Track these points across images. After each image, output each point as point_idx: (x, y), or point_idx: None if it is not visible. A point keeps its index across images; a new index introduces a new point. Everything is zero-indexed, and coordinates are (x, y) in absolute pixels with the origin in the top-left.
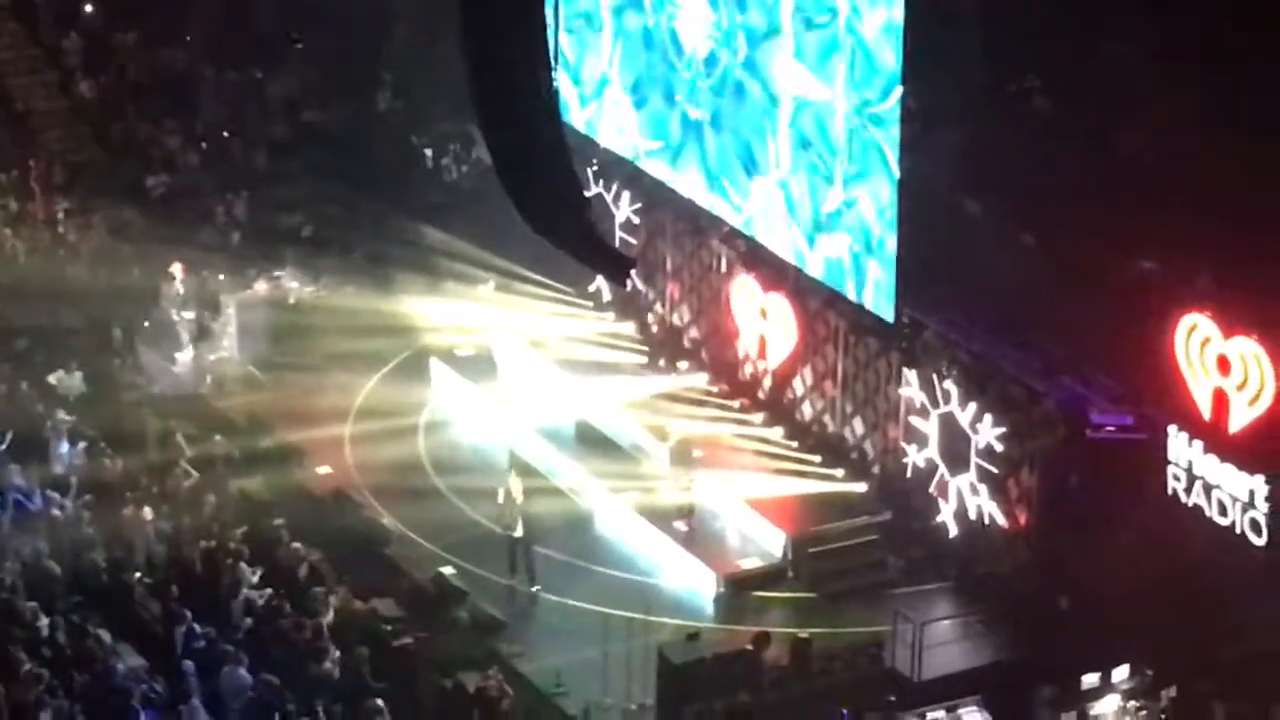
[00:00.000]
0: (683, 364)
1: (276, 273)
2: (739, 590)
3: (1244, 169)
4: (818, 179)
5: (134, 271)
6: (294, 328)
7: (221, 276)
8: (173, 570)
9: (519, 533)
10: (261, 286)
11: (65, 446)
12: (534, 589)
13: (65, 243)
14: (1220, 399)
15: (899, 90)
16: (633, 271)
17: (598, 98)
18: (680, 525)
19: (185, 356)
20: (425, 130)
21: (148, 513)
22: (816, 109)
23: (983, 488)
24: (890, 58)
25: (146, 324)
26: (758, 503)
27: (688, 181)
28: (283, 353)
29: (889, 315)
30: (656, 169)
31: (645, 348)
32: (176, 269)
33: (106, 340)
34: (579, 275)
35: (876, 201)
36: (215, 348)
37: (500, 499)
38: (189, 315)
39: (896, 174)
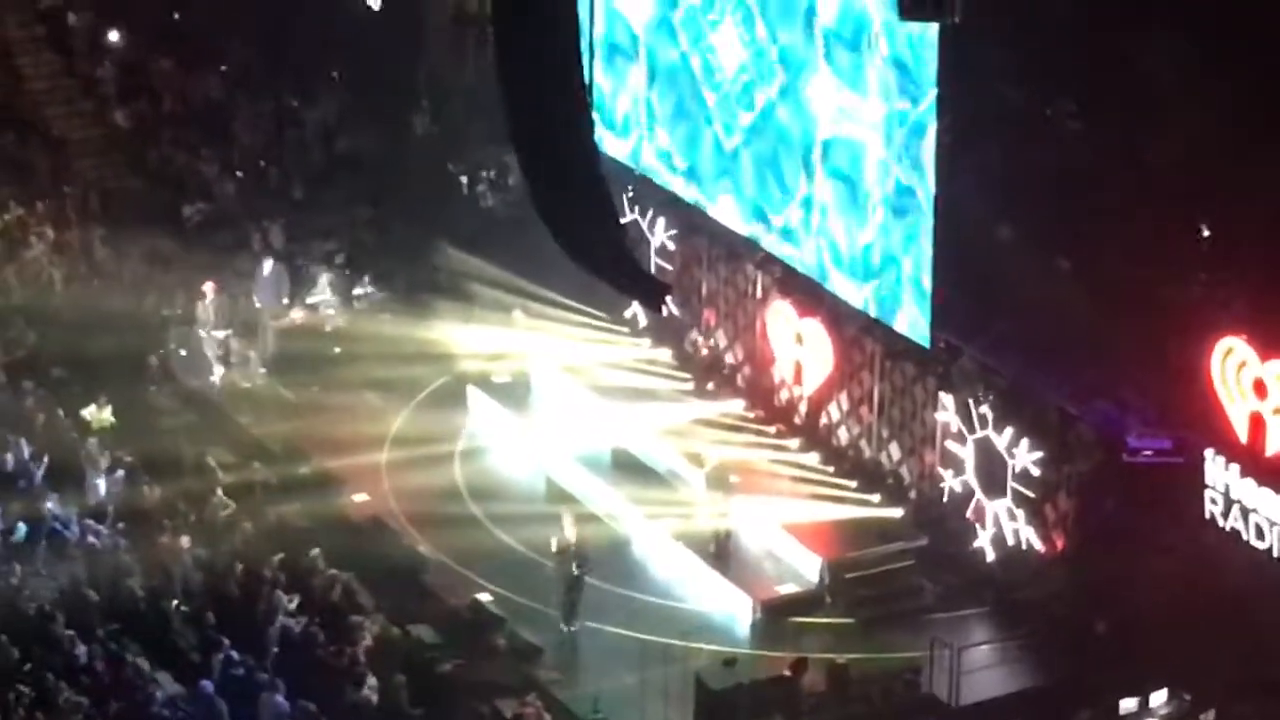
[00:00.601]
0: (719, 389)
1: (312, 300)
2: (776, 616)
3: None
4: (852, 204)
5: (171, 298)
6: (330, 355)
7: (258, 304)
8: (209, 598)
9: (576, 572)
10: (297, 313)
11: (102, 475)
12: (572, 628)
13: (102, 271)
14: (1257, 422)
15: (933, 93)
16: (668, 297)
17: (634, 125)
18: (718, 550)
19: (217, 377)
20: (461, 157)
21: (185, 541)
22: (852, 135)
23: (1020, 512)
24: (926, 70)
25: (183, 352)
26: (794, 528)
27: (723, 208)
28: (319, 380)
29: (925, 340)
30: (692, 195)
31: (681, 373)
32: (209, 288)
33: (142, 368)
34: (615, 301)
35: (910, 227)
36: (251, 374)
37: (555, 546)
38: (220, 335)
39: (931, 199)
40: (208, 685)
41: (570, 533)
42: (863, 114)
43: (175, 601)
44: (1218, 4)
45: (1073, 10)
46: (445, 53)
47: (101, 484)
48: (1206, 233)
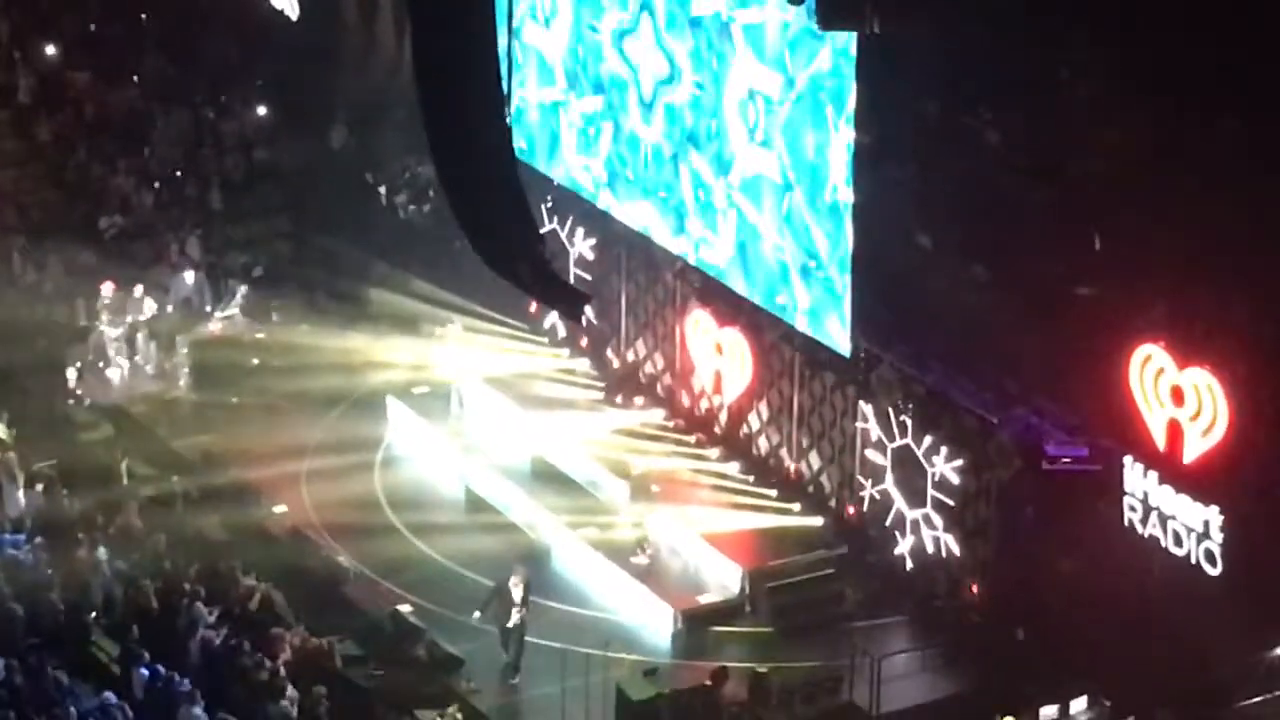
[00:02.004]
0: (639, 399)
1: (230, 311)
2: (697, 625)
3: (1197, 199)
4: (774, 213)
5: (89, 310)
6: (248, 366)
7: (174, 314)
8: (129, 610)
9: (512, 623)
10: (216, 325)
11: (19, 488)
12: (514, 680)
13: (20, 283)
14: (1175, 430)
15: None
16: (587, 307)
17: (552, 134)
18: (639, 559)
19: (118, 377)
20: (380, 168)
21: (103, 553)
22: (767, 143)
23: (939, 520)
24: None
25: (101, 364)
26: (715, 537)
27: (641, 216)
28: (238, 391)
29: (844, 349)
30: (610, 204)
31: (601, 383)
32: (107, 288)
33: (59, 380)
34: (535, 310)
35: (830, 235)
36: (169, 386)
37: (496, 598)
38: (115, 332)
39: (850, 204)
40: (110, 696)
41: (517, 593)
42: (776, 120)
43: (94, 614)
44: (1133, 18)
45: (989, 22)
46: (363, 64)
47: (20, 497)
48: (1098, 245)
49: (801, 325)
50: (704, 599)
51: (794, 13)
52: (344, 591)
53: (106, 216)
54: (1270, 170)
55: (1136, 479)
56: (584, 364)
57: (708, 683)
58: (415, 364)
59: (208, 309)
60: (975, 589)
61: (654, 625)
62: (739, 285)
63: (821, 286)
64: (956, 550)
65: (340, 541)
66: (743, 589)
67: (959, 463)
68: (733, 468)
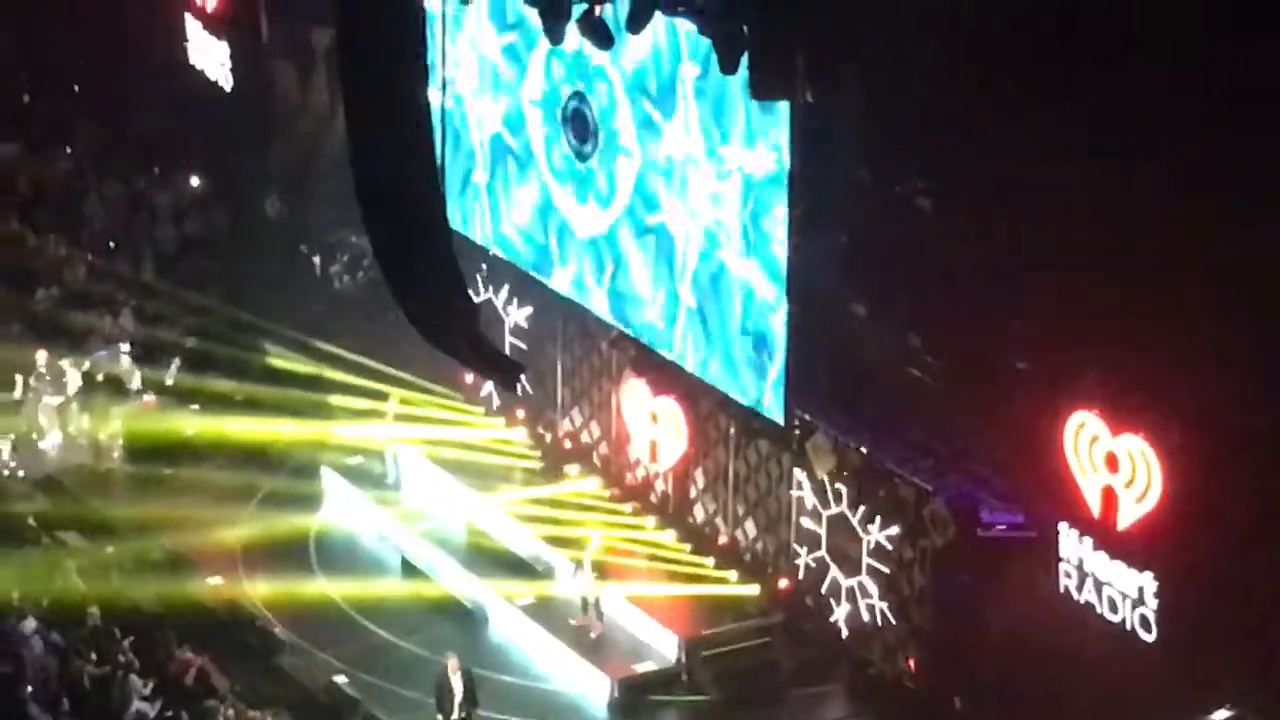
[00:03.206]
0: (574, 468)
1: (165, 382)
2: (634, 694)
3: (1130, 265)
4: (705, 278)
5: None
6: (183, 438)
7: (106, 384)
8: (62, 683)
9: (456, 718)
10: (149, 397)
11: None
12: None
13: None
14: (1109, 496)
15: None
16: (523, 377)
17: (481, 203)
18: (579, 622)
19: (52, 441)
20: (314, 238)
21: (31, 624)
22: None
23: (874, 588)
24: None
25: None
26: (651, 605)
27: (570, 288)
28: (172, 463)
29: (779, 417)
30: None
31: (537, 453)
32: (40, 355)
33: None
34: (470, 380)
35: (763, 303)
36: (102, 458)
37: (438, 693)
38: (53, 401)
39: (782, 276)
40: None
41: (456, 682)
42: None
43: (29, 688)
44: (1066, 86)
45: (923, 89)
46: (297, 135)
47: None
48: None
49: (737, 394)
50: (641, 668)
51: None
52: (279, 662)
53: (41, 289)
54: (1202, 237)
55: (1071, 545)
56: (520, 434)
57: None
58: (350, 435)
59: (141, 381)
60: (911, 657)
61: (591, 694)
62: (672, 354)
63: (756, 353)
64: (892, 618)
65: (275, 612)
66: (679, 657)
67: (894, 530)
68: (669, 536)
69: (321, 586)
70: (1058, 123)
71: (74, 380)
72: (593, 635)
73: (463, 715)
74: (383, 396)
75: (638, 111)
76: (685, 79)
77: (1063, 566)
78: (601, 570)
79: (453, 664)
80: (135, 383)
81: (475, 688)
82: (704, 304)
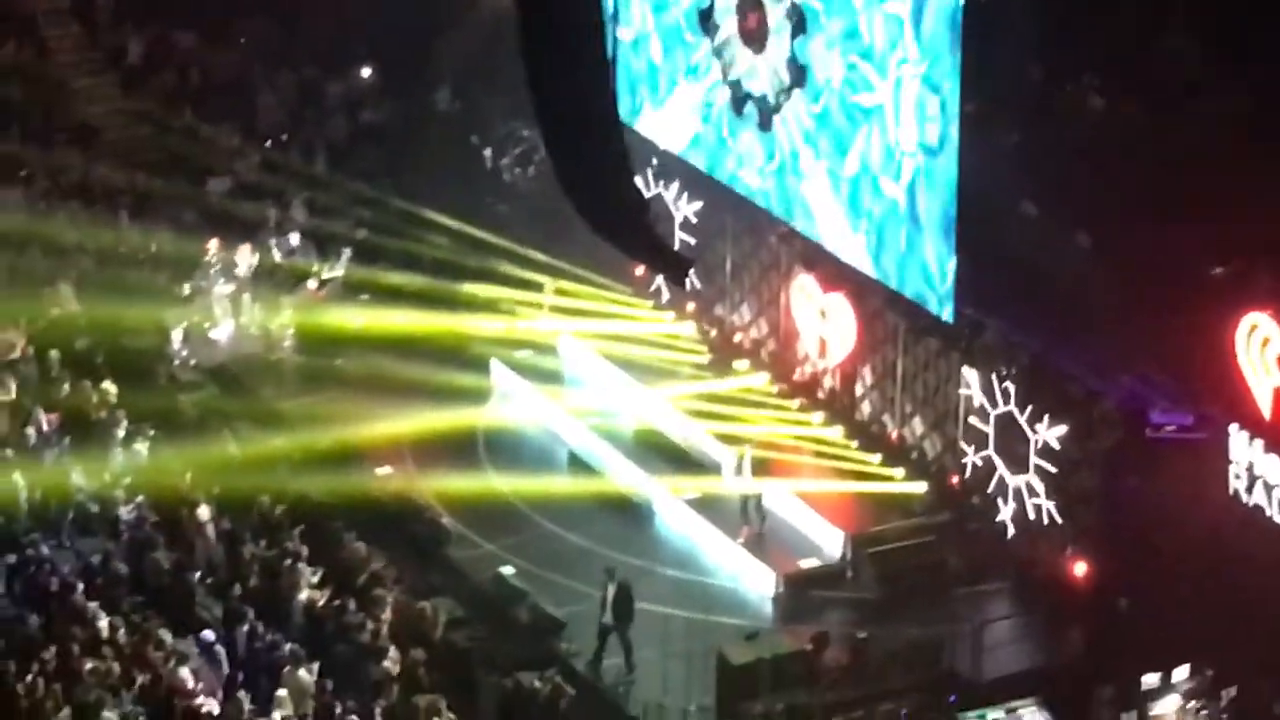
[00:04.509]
0: (742, 364)
1: (335, 274)
2: (798, 590)
3: None
4: (877, 177)
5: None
6: (353, 328)
7: (277, 274)
8: (232, 571)
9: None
10: (320, 288)
11: (119, 447)
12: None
13: (127, 243)
14: None
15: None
16: (692, 272)
17: (659, 100)
18: (745, 532)
19: (223, 331)
20: (485, 131)
21: (206, 512)
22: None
23: (1041, 488)
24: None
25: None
26: (817, 502)
27: (747, 182)
28: (342, 354)
29: (949, 315)
30: (712, 167)
31: (705, 348)
32: (212, 244)
33: (166, 340)
34: (640, 275)
35: (936, 201)
36: (274, 347)
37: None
38: (225, 290)
39: (955, 174)
40: (209, 635)
41: (612, 593)
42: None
43: (199, 574)
44: None
45: None
46: (469, 26)
47: (119, 455)
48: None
49: (906, 290)
50: (806, 564)
51: None
52: (447, 554)
53: (212, 178)
54: None
55: (1242, 447)
56: (689, 328)
57: (808, 647)
58: (520, 328)
59: (313, 271)
60: (1078, 557)
61: (756, 590)
62: (844, 250)
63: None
64: (1059, 518)
65: (443, 504)
66: (845, 554)
67: (1062, 430)
68: (836, 433)
69: (489, 479)
70: (1230, 18)
71: (245, 270)
72: (741, 540)
73: (609, 624)
74: (549, 290)
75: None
76: None
77: (1232, 469)
78: (764, 468)
79: (613, 580)
80: (306, 274)
81: (631, 602)
82: (877, 198)
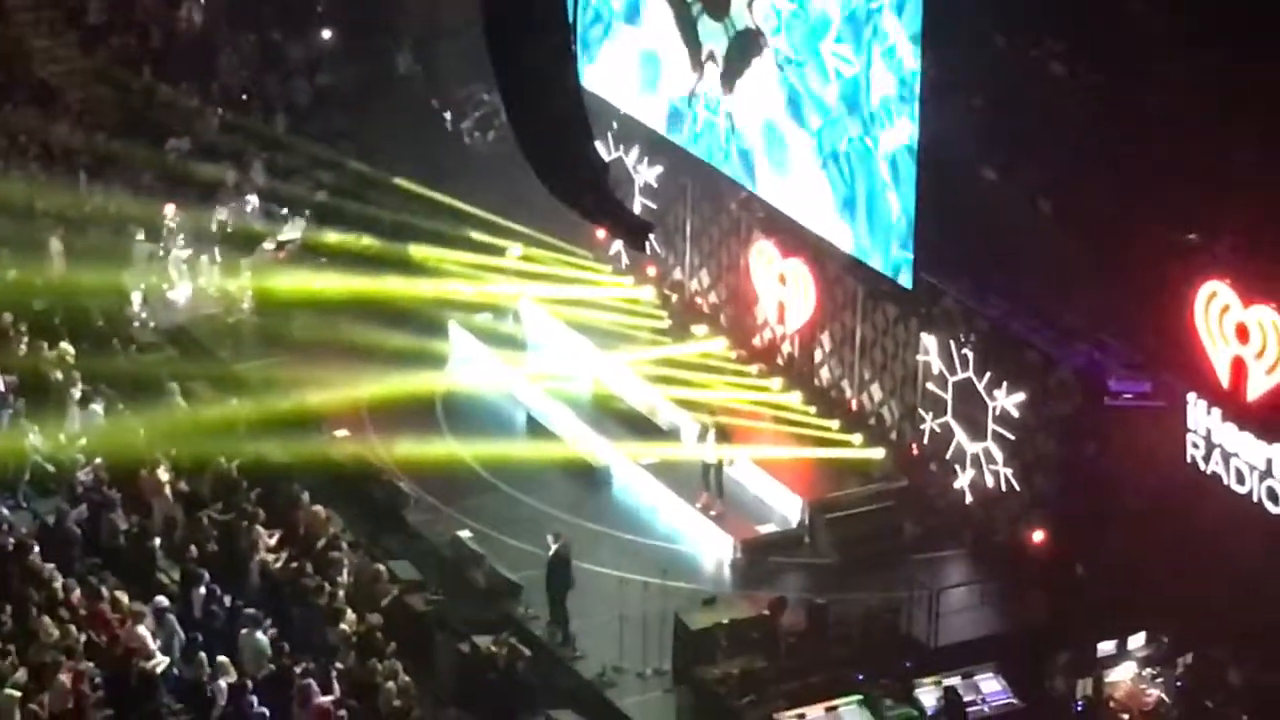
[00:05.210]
0: (701, 329)
1: (293, 236)
2: (756, 555)
3: (1267, 134)
4: (837, 140)
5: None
6: (310, 290)
7: (235, 236)
8: (190, 532)
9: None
10: (278, 250)
11: (76, 407)
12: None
13: (86, 204)
14: (1239, 367)
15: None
16: (651, 236)
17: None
18: (706, 498)
19: (182, 293)
20: (445, 94)
21: (164, 474)
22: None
23: (999, 454)
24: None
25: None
26: (775, 468)
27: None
28: (299, 316)
29: (907, 281)
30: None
31: (664, 312)
32: (169, 209)
33: (124, 301)
34: (598, 239)
35: (895, 167)
36: (231, 309)
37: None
38: (183, 254)
39: (915, 139)
40: (163, 600)
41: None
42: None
43: (157, 537)
44: None
45: None
46: None
47: (77, 414)
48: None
49: (866, 255)
50: (763, 529)
51: None
52: (404, 516)
53: (172, 139)
54: None
55: (1199, 416)
56: (648, 293)
57: (766, 613)
58: (478, 291)
59: (271, 234)
60: (1035, 524)
61: (713, 555)
62: (802, 215)
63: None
64: (1017, 485)
65: (401, 468)
66: (802, 520)
67: (1020, 397)
68: (794, 399)
69: (447, 443)
70: None
71: (204, 232)
72: (699, 505)
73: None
74: (509, 253)
75: None
76: None
77: (1190, 437)
78: (723, 435)
79: (556, 540)
80: (265, 236)
81: (567, 568)
82: (836, 164)
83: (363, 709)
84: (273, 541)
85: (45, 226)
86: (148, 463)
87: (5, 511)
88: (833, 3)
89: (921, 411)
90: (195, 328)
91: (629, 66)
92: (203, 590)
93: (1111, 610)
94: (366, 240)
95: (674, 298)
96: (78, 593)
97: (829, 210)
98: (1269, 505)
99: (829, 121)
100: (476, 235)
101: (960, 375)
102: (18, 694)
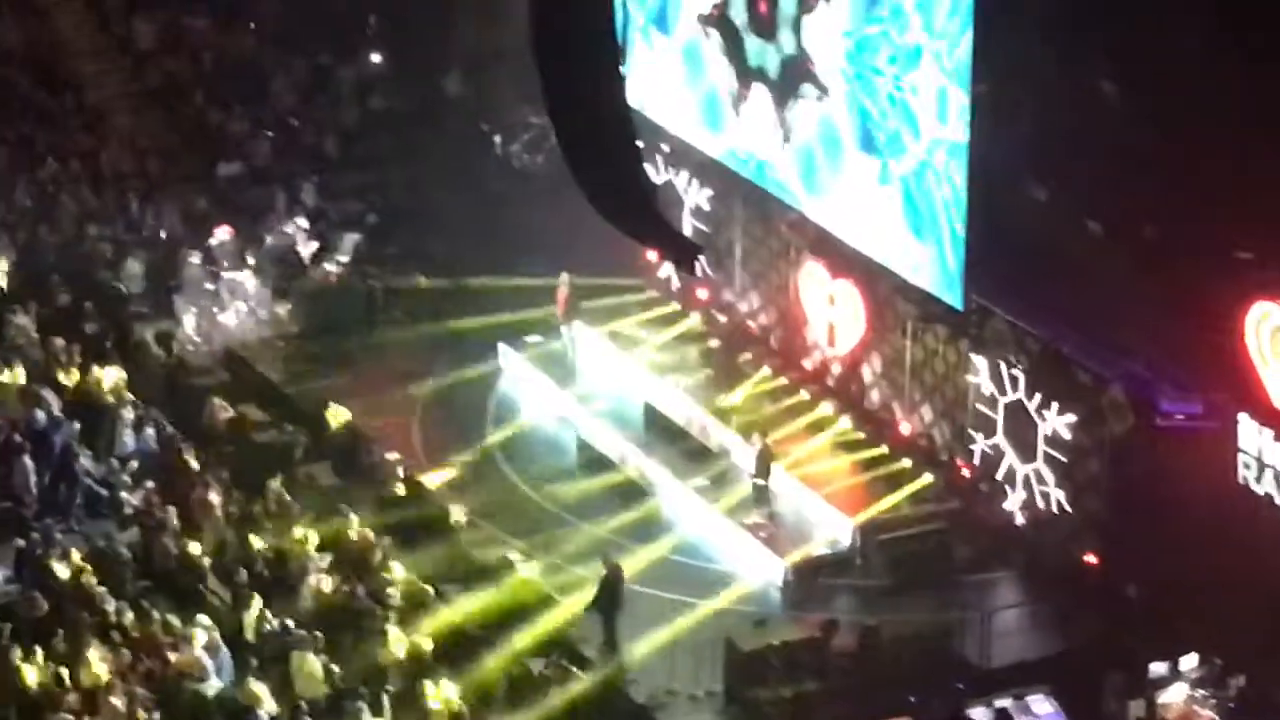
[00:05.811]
0: (751, 351)
1: (343, 258)
2: (807, 578)
3: None
4: (887, 163)
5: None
6: (361, 313)
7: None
8: (241, 554)
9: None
10: (328, 272)
11: (131, 433)
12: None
13: (138, 228)
14: None
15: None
16: (701, 258)
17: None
18: (757, 520)
19: (233, 318)
20: (495, 116)
21: (215, 497)
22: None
23: (1050, 476)
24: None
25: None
26: (826, 490)
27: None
28: (349, 338)
29: (958, 302)
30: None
31: (713, 334)
32: (222, 231)
33: (175, 324)
34: (648, 262)
35: (947, 187)
36: (282, 331)
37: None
38: (233, 276)
39: (966, 162)
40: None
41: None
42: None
43: (208, 558)
44: None
45: None
46: (480, 11)
47: (130, 438)
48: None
49: (916, 278)
50: (815, 552)
51: None
52: (454, 538)
53: (223, 163)
54: None
55: (1251, 436)
56: (698, 315)
57: (817, 635)
58: (528, 314)
59: (321, 256)
60: (1086, 545)
61: (765, 577)
62: (853, 238)
63: (936, 238)
64: (1068, 506)
65: (451, 488)
66: (854, 542)
67: (1071, 418)
68: (845, 421)
69: (497, 464)
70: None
71: (255, 255)
72: (763, 535)
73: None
74: (560, 277)
75: None
76: None
77: (1242, 458)
78: (773, 457)
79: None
80: (315, 257)
81: (617, 591)
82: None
83: None
84: (325, 564)
85: (97, 251)
86: (199, 485)
87: (58, 535)
88: (882, 28)
89: (972, 433)
90: (246, 350)
91: (678, 91)
92: (254, 612)
93: (1164, 631)
94: (415, 262)
95: (724, 320)
96: (130, 616)
97: (892, 232)
98: None
99: (885, 143)
100: (526, 257)
101: (1011, 396)
102: (70, 718)
